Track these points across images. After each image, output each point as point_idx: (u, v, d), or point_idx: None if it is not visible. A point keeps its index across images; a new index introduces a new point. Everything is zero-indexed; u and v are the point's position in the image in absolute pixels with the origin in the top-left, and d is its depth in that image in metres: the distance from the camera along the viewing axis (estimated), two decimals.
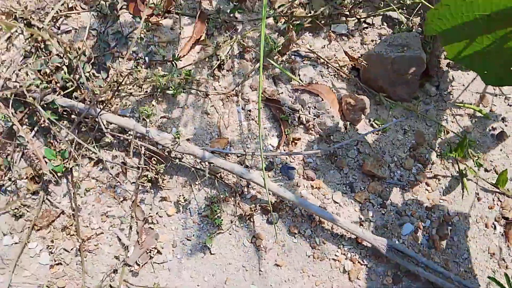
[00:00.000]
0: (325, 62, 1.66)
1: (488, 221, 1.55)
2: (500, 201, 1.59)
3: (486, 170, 1.63)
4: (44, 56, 1.40)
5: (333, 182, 1.52)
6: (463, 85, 1.74)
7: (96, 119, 1.35)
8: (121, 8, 1.56)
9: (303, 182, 1.51)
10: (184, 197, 1.42)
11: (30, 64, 1.39)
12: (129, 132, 1.40)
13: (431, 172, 1.59)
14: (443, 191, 1.57)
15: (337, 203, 1.50)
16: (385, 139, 1.61)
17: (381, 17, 1.75)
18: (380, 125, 1.61)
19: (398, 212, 1.52)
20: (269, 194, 1.44)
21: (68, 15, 1.50)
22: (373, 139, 1.60)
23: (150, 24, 1.55)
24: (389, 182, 1.55)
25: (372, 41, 1.72)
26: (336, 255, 1.45)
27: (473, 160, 1.57)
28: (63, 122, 1.38)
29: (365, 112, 1.60)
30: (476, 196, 1.58)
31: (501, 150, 1.66)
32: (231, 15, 1.65)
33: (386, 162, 1.58)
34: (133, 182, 1.43)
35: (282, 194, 1.41)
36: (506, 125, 1.69)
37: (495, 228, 1.55)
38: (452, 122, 1.68)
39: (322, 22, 1.70)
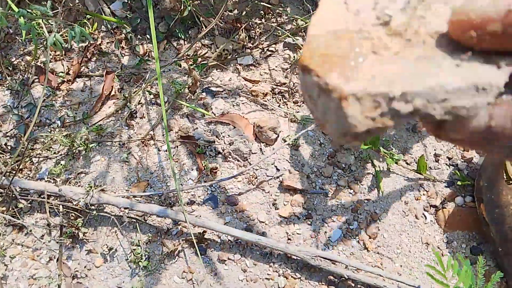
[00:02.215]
0: (236, 93, 1.72)
1: (417, 212, 1.53)
2: (426, 191, 1.58)
3: (407, 163, 1.63)
4: None
5: (256, 203, 1.52)
6: None
7: (10, 188, 1.38)
8: (32, 82, 1.64)
9: (227, 208, 1.51)
10: (108, 247, 1.41)
11: None
12: (49, 195, 1.42)
13: (352, 175, 1.60)
14: (366, 191, 1.57)
15: (263, 222, 1.49)
16: (302, 152, 1.63)
17: (282, 43, 1.84)
18: (295, 141, 1.64)
19: (324, 220, 1.50)
20: (193, 227, 1.44)
21: None
22: (291, 155, 1.62)
23: (61, 91, 1.63)
24: (311, 193, 1.55)
25: (277, 66, 1.79)
26: (268, 274, 1.41)
27: (388, 156, 1.58)
28: None
29: (276, 131, 1.64)
30: (401, 190, 1.58)
31: (417, 141, 1.67)
32: (139, 67, 1.73)
33: (305, 174, 1.59)
34: (58, 241, 1.43)
35: (205, 225, 1.41)
36: None
37: (425, 218, 1.53)
38: None
39: (228, 57, 1.79)
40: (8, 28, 1.67)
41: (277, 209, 1.51)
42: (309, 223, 1.49)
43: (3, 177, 1.36)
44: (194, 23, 1.81)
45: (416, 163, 1.62)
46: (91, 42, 1.68)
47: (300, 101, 1.76)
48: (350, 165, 1.61)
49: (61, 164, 1.45)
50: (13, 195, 1.40)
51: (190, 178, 1.55)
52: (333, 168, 1.60)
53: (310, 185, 1.55)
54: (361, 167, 1.62)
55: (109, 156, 1.55)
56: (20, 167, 1.40)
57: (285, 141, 1.63)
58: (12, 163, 1.39)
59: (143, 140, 1.59)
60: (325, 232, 1.47)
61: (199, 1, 1.73)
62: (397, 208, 1.53)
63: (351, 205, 1.53)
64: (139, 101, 1.65)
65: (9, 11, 1.39)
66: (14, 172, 1.41)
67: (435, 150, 1.63)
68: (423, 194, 1.56)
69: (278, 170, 1.57)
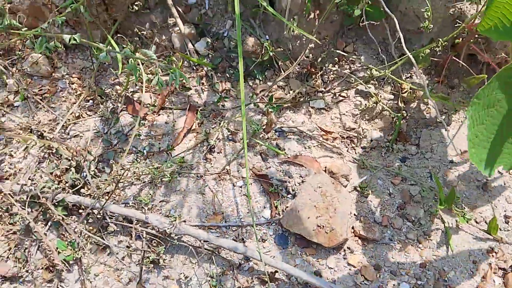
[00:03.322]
0: (308, 135, 1.79)
1: (486, 273, 1.54)
2: (495, 252, 1.58)
3: (476, 222, 1.64)
4: (56, 160, 1.59)
5: (325, 248, 1.56)
6: (442, 142, 1.82)
7: (102, 211, 1.48)
8: (121, 111, 1.76)
9: (297, 250, 1.56)
10: (184, 275, 1.49)
11: (43, 168, 1.57)
12: (133, 219, 1.52)
13: (421, 229, 1.62)
14: (434, 247, 1.59)
15: (332, 268, 1.54)
16: (372, 201, 1.67)
17: (354, 90, 1.90)
18: (364, 188, 1.68)
19: (393, 272, 1.53)
20: (265, 265, 1.49)
21: (76, 122, 1.72)
22: (360, 202, 1.67)
23: (146, 121, 1.75)
24: (381, 243, 1.58)
25: (347, 111, 1.86)
26: None
27: (460, 214, 1.59)
28: (72, 216, 1.52)
29: (348, 178, 1.69)
30: (469, 249, 1.58)
31: (488, 200, 1.68)
32: (218, 104, 1.83)
33: (376, 224, 1.63)
34: (137, 264, 1.52)
35: (277, 265, 1.46)
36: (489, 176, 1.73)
37: (494, 281, 1.53)
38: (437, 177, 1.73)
39: (301, 100, 1.87)
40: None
41: (346, 258, 1.55)
42: (378, 274, 1.52)
43: (96, 200, 1.47)
44: (271, 65, 1.90)
45: (485, 222, 1.63)
46: (186, 83, 1.79)
47: (368, 147, 1.81)
48: (419, 219, 1.63)
49: (149, 194, 1.55)
50: (103, 217, 1.50)
51: (262, 216, 1.62)
52: (402, 220, 1.63)
53: (380, 236, 1.59)
54: (430, 221, 1.64)
55: (187, 187, 1.64)
56: (112, 192, 1.51)
57: (355, 188, 1.67)
58: (104, 188, 1.50)
59: (219, 174, 1.68)
60: (393, 285, 1.50)
61: (281, 49, 1.82)
62: (465, 267, 1.54)
63: (419, 260, 1.56)
64: (217, 136, 1.74)
65: (109, 47, 1.52)
66: (107, 196, 1.51)
67: (505, 211, 1.64)
68: (492, 256, 1.56)
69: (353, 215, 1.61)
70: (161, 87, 1.39)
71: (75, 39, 1.41)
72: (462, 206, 1.66)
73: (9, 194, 1.47)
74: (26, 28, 1.71)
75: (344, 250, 1.56)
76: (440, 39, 1.58)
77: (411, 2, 1.71)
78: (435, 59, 1.77)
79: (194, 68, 1.90)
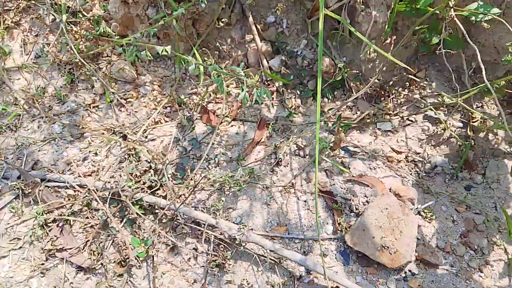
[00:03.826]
0: (373, 156, 1.82)
1: None
2: None
3: None
4: (135, 161, 1.70)
5: (387, 268, 1.58)
6: (509, 174, 1.79)
7: (176, 213, 1.58)
8: (195, 119, 1.87)
9: (358, 268, 1.59)
10: (247, 281, 1.55)
11: (124, 168, 1.69)
12: (200, 222, 1.60)
13: (483, 258, 1.60)
14: (497, 277, 1.57)
15: None
16: (435, 226, 1.67)
17: (422, 115, 1.91)
18: (428, 213, 1.69)
19: None
20: (328, 280, 1.53)
21: (154, 127, 1.83)
22: (424, 227, 1.67)
23: (219, 130, 1.84)
24: (442, 269, 1.58)
25: (414, 136, 1.87)
26: None
27: None
28: (148, 215, 1.62)
29: (413, 202, 1.70)
30: None
31: None
32: (287, 119, 1.90)
33: (439, 249, 1.63)
34: (202, 266, 1.59)
35: (339, 281, 1.50)
36: None
37: None
38: (501, 207, 1.71)
39: (368, 121, 1.90)
40: (185, 71, 1.92)
41: (406, 280, 1.56)
42: None
43: (171, 202, 1.56)
44: (341, 85, 1.95)
45: None
46: (267, 102, 1.88)
47: (432, 172, 1.82)
48: (482, 248, 1.62)
49: (222, 200, 1.62)
50: (173, 219, 1.59)
51: (325, 231, 1.66)
52: (465, 248, 1.62)
53: (442, 262, 1.59)
54: (493, 251, 1.62)
55: (254, 197, 1.71)
56: (187, 196, 1.60)
57: (419, 212, 1.68)
58: (178, 191, 1.60)
59: (285, 187, 1.74)
60: None
61: (353, 71, 1.87)
62: None
63: None
64: (285, 151, 1.80)
65: (204, 62, 1.62)
66: (183, 199, 1.61)
67: None
68: None
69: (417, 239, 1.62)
70: (246, 101, 1.47)
71: (166, 51, 1.53)
72: None
73: (93, 189, 1.58)
74: (118, 37, 1.86)
75: (405, 273, 1.57)
76: None
77: (492, 34, 1.71)
78: (510, 91, 1.76)
79: (266, 83, 1.98)
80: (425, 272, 1.58)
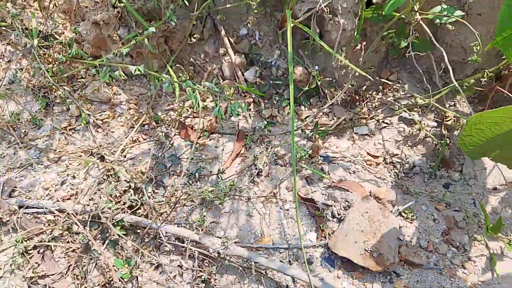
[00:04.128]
0: (351, 160, 1.84)
1: None
2: None
3: None
4: (114, 181, 1.70)
5: (372, 272, 1.59)
6: (485, 169, 1.83)
7: (157, 231, 1.57)
8: (174, 135, 1.87)
9: (344, 273, 1.60)
10: None
11: (103, 189, 1.68)
12: (184, 239, 1.60)
13: (466, 255, 1.63)
14: (480, 272, 1.59)
15: None
16: (417, 226, 1.69)
17: (397, 117, 1.95)
18: (409, 214, 1.71)
19: None
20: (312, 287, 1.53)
21: (132, 146, 1.83)
22: (406, 227, 1.70)
23: (198, 145, 1.84)
24: (426, 268, 1.60)
25: (390, 138, 1.90)
26: None
27: (506, 242, 1.60)
28: (130, 235, 1.61)
29: (393, 204, 1.72)
30: None
31: None
32: (265, 129, 1.91)
33: (422, 249, 1.65)
34: (188, 283, 1.58)
35: None
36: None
37: None
38: (479, 203, 1.75)
39: (345, 126, 1.93)
40: (160, 87, 1.93)
41: (392, 282, 1.57)
42: None
43: (152, 221, 1.56)
44: (317, 93, 1.98)
45: None
46: (244, 113, 1.89)
47: (411, 173, 1.85)
48: (464, 245, 1.65)
49: (201, 215, 1.63)
50: (156, 237, 1.59)
51: (309, 239, 1.67)
52: (447, 246, 1.64)
53: (426, 261, 1.61)
54: (475, 247, 1.65)
55: (236, 209, 1.72)
56: (169, 214, 1.60)
57: (400, 213, 1.71)
58: (159, 209, 1.60)
59: (267, 197, 1.75)
60: None
61: (327, 78, 1.90)
62: None
63: (465, 286, 1.56)
64: (264, 161, 1.81)
65: (169, 77, 1.63)
66: (162, 217, 1.61)
67: None
68: None
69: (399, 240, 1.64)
70: (220, 116, 1.49)
71: (139, 70, 1.53)
72: (507, 233, 1.66)
73: (72, 213, 1.57)
74: (91, 58, 1.86)
75: (390, 274, 1.58)
76: (487, 71, 1.62)
77: (457, 35, 1.76)
78: (479, 88, 1.81)
79: (242, 94, 2.00)
80: (409, 272, 1.60)
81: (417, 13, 1.69)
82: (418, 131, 1.87)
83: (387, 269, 1.58)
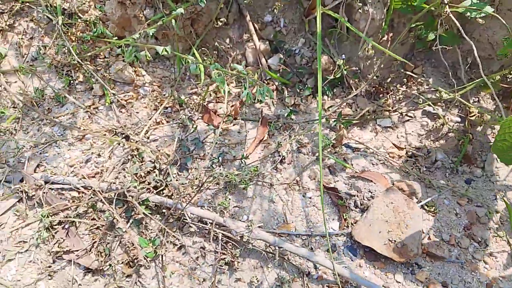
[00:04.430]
0: (374, 152, 1.85)
1: None
2: None
3: None
4: (139, 162, 1.69)
5: (394, 262, 1.60)
6: (508, 166, 1.84)
7: (182, 212, 1.57)
8: (197, 119, 1.87)
9: (366, 263, 1.61)
10: (256, 278, 1.55)
11: (127, 168, 1.68)
12: (207, 221, 1.60)
13: (488, 250, 1.64)
14: (501, 268, 1.60)
15: (399, 282, 1.57)
16: (439, 220, 1.70)
17: (421, 111, 1.95)
18: (431, 207, 1.72)
19: None
20: (338, 275, 1.54)
21: (156, 127, 1.83)
22: (428, 220, 1.70)
23: (221, 130, 1.84)
24: (448, 261, 1.61)
25: (413, 131, 1.91)
26: None
27: None
28: (155, 215, 1.61)
29: (417, 196, 1.73)
30: None
31: None
32: (288, 117, 1.91)
33: (444, 242, 1.66)
34: (211, 265, 1.59)
35: (347, 276, 1.51)
36: None
37: None
38: (502, 200, 1.76)
39: (368, 117, 1.93)
40: (184, 71, 1.92)
41: (414, 273, 1.58)
42: None
43: (177, 202, 1.56)
44: (341, 83, 1.98)
45: None
46: (268, 100, 1.89)
47: (433, 167, 1.85)
48: (486, 240, 1.66)
49: (228, 198, 1.63)
50: (179, 218, 1.59)
51: (331, 227, 1.67)
52: (469, 240, 1.65)
53: (448, 254, 1.62)
54: (496, 243, 1.66)
55: (260, 194, 1.72)
56: (194, 195, 1.60)
57: (422, 207, 1.71)
58: (184, 190, 1.60)
59: (289, 185, 1.75)
60: None
61: (352, 68, 1.90)
62: None
63: (486, 280, 1.57)
64: (288, 148, 1.81)
65: (203, 62, 1.63)
66: (189, 199, 1.60)
67: None
68: None
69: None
70: (249, 100, 1.49)
71: (166, 51, 1.53)
72: None
73: (98, 191, 1.57)
74: (116, 38, 1.85)
75: (412, 266, 1.59)
76: None
77: (486, 30, 1.76)
78: (505, 85, 1.81)
79: (265, 81, 1.99)
80: (431, 265, 1.60)
81: (447, 6, 1.69)
82: (441, 126, 1.87)
83: (409, 261, 1.59)
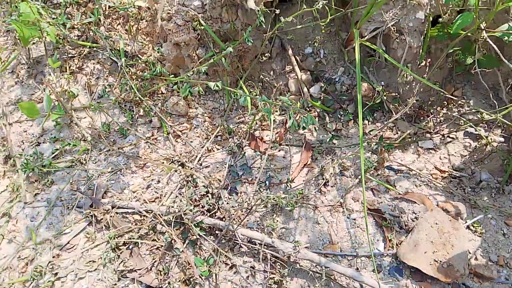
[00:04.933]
0: (417, 174, 1.88)
1: None
2: None
3: None
4: (193, 187, 1.83)
5: (441, 282, 1.61)
6: None
7: (233, 233, 1.68)
8: (245, 146, 1.99)
9: (412, 283, 1.62)
10: None
11: (183, 193, 1.82)
12: (257, 242, 1.69)
13: None
14: None
15: None
16: (487, 240, 1.69)
17: (463, 132, 1.97)
18: (477, 227, 1.71)
19: None
20: None
21: (208, 155, 1.97)
22: (475, 241, 1.70)
23: (267, 155, 1.95)
24: (497, 282, 1.59)
25: (456, 152, 1.92)
26: None
27: None
28: (208, 236, 1.73)
29: (462, 217, 1.73)
30: None
31: None
32: (330, 142, 1.99)
33: (492, 263, 1.64)
34: (260, 284, 1.67)
35: None
36: None
37: None
38: None
39: (409, 140, 1.97)
40: (233, 102, 2.07)
41: None
42: None
43: (229, 223, 1.67)
44: (380, 107, 2.04)
45: None
46: (316, 124, 1.99)
47: (478, 187, 1.85)
48: None
49: (276, 220, 1.72)
50: (231, 239, 1.70)
51: (376, 248, 1.71)
52: None
53: (496, 275, 1.60)
54: None
55: (305, 216, 1.79)
56: (244, 218, 1.71)
57: (468, 227, 1.71)
58: (234, 213, 1.71)
59: (334, 207, 1.81)
60: None
61: (391, 93, 1.96)
62: None
63: None
64: (331, 172, 1.89)
65: (252, 94, 1.76)
66: (238, 220, 1.71)
67: None
68: None
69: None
70: (294, 128, 1.59)
71: (218, 86, 1.68)
72: None
73: (158, 214, 1.72)
74: (171, 75, 2.04)
75: (459, 286, 1.59)
76: None
77: None
78: None
79: (307, 109, 2.09)
80: (479, 285, 1.59)
81: (484, 31, 1.73)
82: (484, 146, 1.88)
83: (456, 281, 1.59)
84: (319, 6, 1.53)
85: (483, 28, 1.70)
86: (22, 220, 1.77)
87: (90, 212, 1.72)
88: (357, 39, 1.73)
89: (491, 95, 1.86)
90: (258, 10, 1.65)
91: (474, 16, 1.60)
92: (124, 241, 1.67)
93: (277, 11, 1.72)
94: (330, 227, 1.76)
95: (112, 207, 1.74)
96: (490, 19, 1.66)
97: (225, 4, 1.84)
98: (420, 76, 1.90)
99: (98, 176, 1.86)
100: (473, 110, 1.95)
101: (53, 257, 1.66)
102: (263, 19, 1.67)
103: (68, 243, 1.69)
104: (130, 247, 1.67)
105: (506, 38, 1.70)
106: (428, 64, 1.88)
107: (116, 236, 1.68)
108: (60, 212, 1.78)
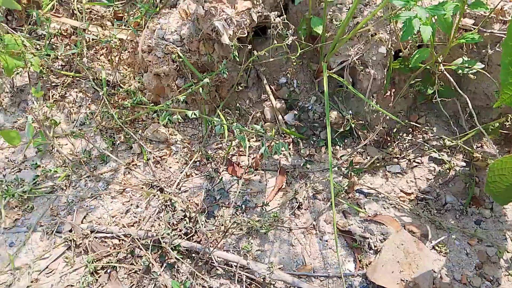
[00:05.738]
0: (385, 197, 1.96)
1: None
2: None
3: None
4: (171, 211, 1.87)
5: None
6: None
7: (210, 256, 1.71)
8: (222, 171, 2.05)
9: None
10: None
11: (162, 217, 1.85)
12: (233, 264, 1.73)
13: None
14: None
15: None
16: (450, 260, 1.76)
17: (427, 157, 2.07)
18: (442, 247, 1.79)
19: None
20: None
21: (186, 180, 2.02)
22: (440, 260, 1.77)
23: (244, 180, 2.01)
24: None
25: (422, 176, 2.02)
26: None
27: None
28: (185, 259, 1.76)
29: (427, 237, 1.81)
30: None
31: None
32: (304, 167, 2.07)
33: (456, 281, 1.71)
34: None
35: None
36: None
37: None
38: (511, 239, 1.81)
39: (378, 164, 2.06)
40: (211, 129, 2.14)
41: None
42: None
43: (205, 246, 1.71)
44: (350, 134, 2.13)
45: None
46: (285, 152, 2.07)
47: (443, 209, 1.93)
48: (498, 279, 1.70)
49: (251, 242, 1.77)
50: (207, 262, 1.73)
51: (347, 268, 1.76)
52: (481, 279, 1.70)
53: None
54: (509, 282, 1.70)
55: (279, 238, 1.84)
56: (220, 240, 1.75)
57: (434, 247, 1.79)
58: (211, 236, 1.75)
59: (307, 229, 1.87)
60: None
61: (360, 121, 2.07)
62: None
63: None
64: (304, 195, 1.95)
65: (228, 123, 1.83)
66: (214, 243, 1.75)
67: None
68: None
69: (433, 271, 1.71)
70: (267, 154, 1.66)
71: (195, 114, 1.75)
72: None
73: (136, 238, 1.74)
74: (152, 104, 2.10)
75: None
76: (510, 115, 1.74)
77: (480, 83, 1.91)
78: (504, 131, 1.92)
79: (282, 135, 2.18)
80: None
81: (441, 64, 1.85)
82: (448, 170, 1.98)
83: None
84: (288, 42, 1.63)
85: (440, 61, 1.82)
86: (1, 245, 1.77)
87: (69, 237, 1.74)
88: (325, 72, 1.84)
89: (452, 122, 1.97)
90: (232, 45, 1.75)
91: (431, 51, 1.73)
92: (103, 265, 1.69)
93: (249, 47, 1.82)
94: (303, 248, 1.81)
95: (91, 232, 1.76)
96: (446, 53, 1.79)
97: (202, 39, 1.93)
98: (385, 104, 2.02)
99: (78, 202, 1.88)
100: (436, 137, 2.06)
101: (32, 281, 1.66)
102: (237, 54, 1.76)
103: (46, 267, 1.70)
104: (108, 271, 1.69)
105: (460, 71, 1.83)
106: (392, 94, 1.99)
107: (95, 260, 1.69)
108: (40, 237, 1.79)
